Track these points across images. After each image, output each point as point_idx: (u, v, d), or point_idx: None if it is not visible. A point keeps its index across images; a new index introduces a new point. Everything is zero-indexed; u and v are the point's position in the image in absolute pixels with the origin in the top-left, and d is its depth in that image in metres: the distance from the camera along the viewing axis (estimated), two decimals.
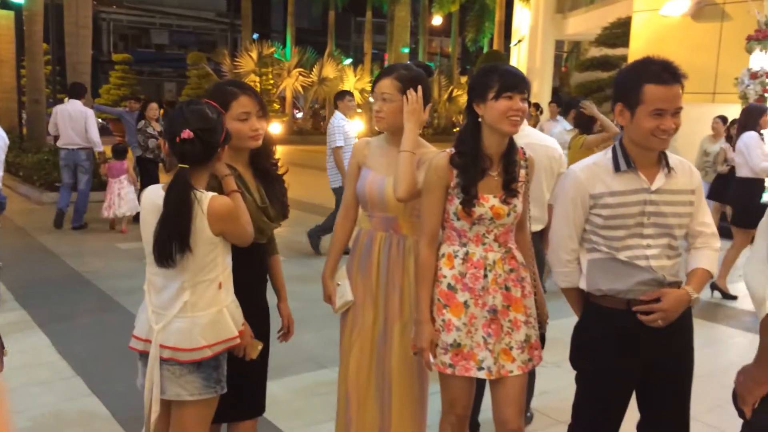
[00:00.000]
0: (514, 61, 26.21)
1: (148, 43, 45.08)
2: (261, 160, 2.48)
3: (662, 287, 2.20)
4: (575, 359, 2.39)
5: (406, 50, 26.69)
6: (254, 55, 25.80)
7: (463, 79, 31.27)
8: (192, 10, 43.36)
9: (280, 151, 2.69)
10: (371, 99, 2.66)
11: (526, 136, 3.13)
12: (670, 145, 2.20)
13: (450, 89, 30.46)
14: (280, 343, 2.67)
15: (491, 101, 2.28)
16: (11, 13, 16.23)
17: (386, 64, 28.29)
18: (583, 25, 19.46)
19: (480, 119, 2.33)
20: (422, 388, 2.66)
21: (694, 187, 2.29)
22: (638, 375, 2.27)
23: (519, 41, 24.35)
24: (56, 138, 8.82)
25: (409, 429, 2.62)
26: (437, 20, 33.50)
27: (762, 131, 6.23)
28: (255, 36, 30.83)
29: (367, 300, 2.64)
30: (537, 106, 14.01)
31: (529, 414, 3.50)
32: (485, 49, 32.36)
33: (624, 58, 13.80)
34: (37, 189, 10.93)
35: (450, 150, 2.39)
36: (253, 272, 2.46)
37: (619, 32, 14.56)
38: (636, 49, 12.16)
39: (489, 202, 2.33)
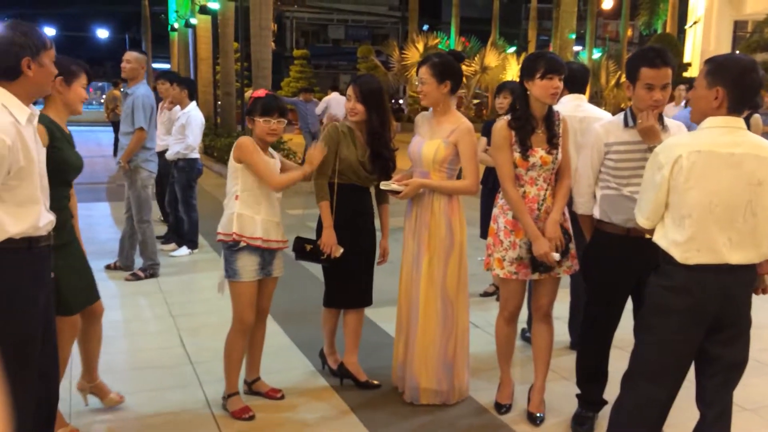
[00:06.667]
0: (689, 45, 25.11)
1: (326, 39, 48.28)
2: (375, 143, 3.51)
3: None
4: (585, 269, 3.20)
5: (573, 36, 26.40)
6: (420, 46, 27.01)
7: None
8: (366, 5, 45.77)
9: None
10: (417, 83, 3.54)
11: (583, 111, 3.86)
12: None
13: (618, 75, 29.71)
14: (378, 265, 3.71)
15: (537, 80, 3.11)
16: (208, 18, 18.74)
17: (551, 50, 28.26)
18: (763, 3, 18.43)
19: (528, 92, 3.16)
20: (445, 310, 3.42)
21: None
22: (631, 283, 2.99)
23: (694, 23, 23.35)
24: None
25: (430, 342, 3.42)
26: (607, 4, 32.64)
27: None
28: (425, 27, 32.10)
29: (408, 235, 3.52)
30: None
31: None
32: (659, 32, 31.10)
33: None
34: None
35: (506, 118, 3.24)
36: (364, 207, 3.60)
37: None
38: None
39: (538, 153, 3.18)
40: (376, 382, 3.71)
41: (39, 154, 2.44)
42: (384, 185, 3.44)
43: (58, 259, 2.75)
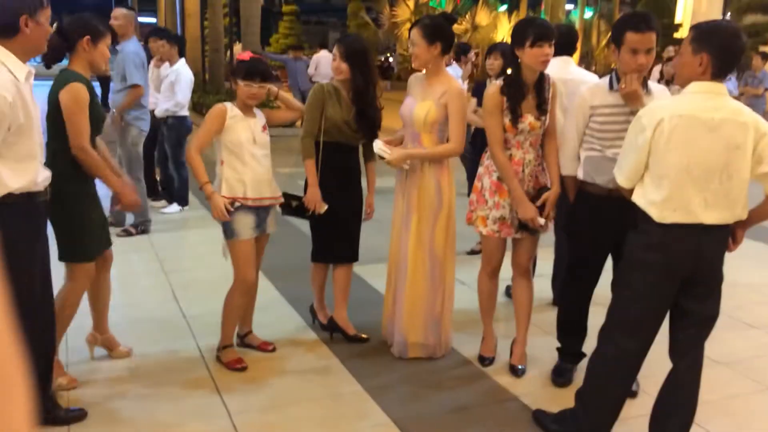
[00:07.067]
0: (680, 6, 24.98)
1: None
2: (360, 101, 3.57)
3: None
4: (568, 225, 3.34)
5: None
6: (411, 3, 26.68)
7: None
8: None
9: None
10: (409, 45, 3.57)
11: (570, 73, 3.91)
12: None
13: (609, 35, 29.52)
14: (364, 221, 3.80)
15: (527, 48, 3.16)
16: None
17: (542, 9, 27.99)
18: None
19: (519, 60, 3.21)
20: (433, 268, 3.51)
21: None
22: (611, 242, 3.10)
23: None
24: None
25: (418, 298, 3.53)
26: None
27: None
28: None
29: (398, 194, 3.60)
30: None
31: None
32: None
33: None
34: None
35: (498, 83, 3.30)
36: (350, 164, 3.67)
37: None
38: None
39: (527, 119, 3.25)
40: (364, 336, 3.83)
41: (35, 111, 2.49)
42: (375, 146, 3.51)
43: (81, 207, 2.98)
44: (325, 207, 3.58)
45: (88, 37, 3.06)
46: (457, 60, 6.45)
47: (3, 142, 2.33)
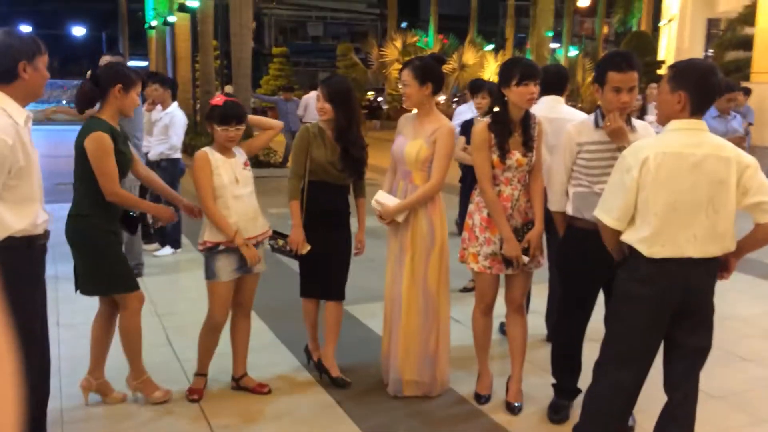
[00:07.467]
0: (663, 42, 25.45)
1: (305, 36, 48.24)
2: (343, 140, 3.63)
3: None
4: (559, 263, 3.36)
5: (550, 34, 26.64)
6: (399, 44, 27.17)
7: None
8: (345, 2, 45.82)
9: None
10: (400, 86, 3.66)
11: (558, 112, 3.99)
12: None
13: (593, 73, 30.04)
14: (354, 257, 3.82)
15: (514, 86, 3.24)
16: (187, 16, 18.70)
17: (528, 48, 28.50)
18: (735, 2, 18.77)
19: (506, 98, 3.29)
20: (426, 305, 3.54)
21: None
22: (602, 276, 3.13)
23: (669, 20, 23.67)
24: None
25: (412, 336, 3.54)
26: (584, 1, 32.98)
27: None
28: (403, 25, 32.21)
29: (391, 233, 3.64)
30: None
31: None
32: (634, 30, 31.48)
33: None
34: None
35: (485, 120, 3.38)
36: (336, 204, 3.72)
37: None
38: (764, 27, 11.93)
39: (515, 155, 3.32)
40: (347, 380, 3.76)
41: (35, 154, 2.55)
42: (374, 200, 3.57)
43: (111, 243, 3.29)
44: (308, 248, 3.64)
45: (120, 85, 3.24)
46: (473, 95, 6.42)
47: (3, 185, 2.38)
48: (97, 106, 3.32)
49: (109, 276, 3.32)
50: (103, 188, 3.17)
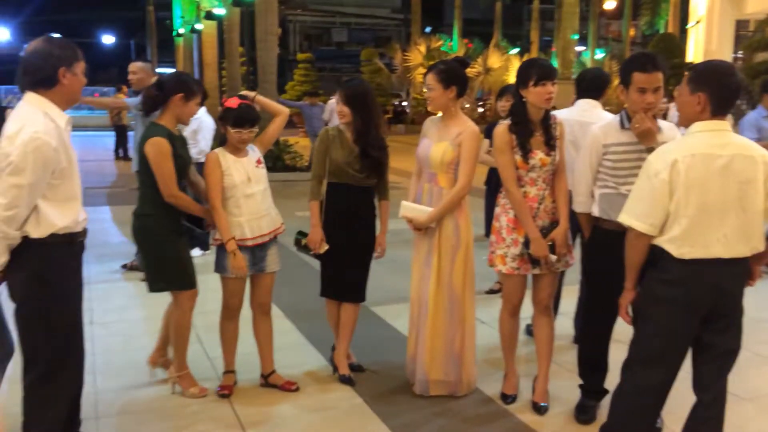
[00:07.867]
0: (691, 44, 25.15)
1: (329, 42, 48.44)
2: (361, 142, 3.67)
3: None
4: (585, 263, 3.39)
5: (576, 37, 26.48)
6: (423, 48, 27.18)
7: None
8: (369, 8, 45.95)
9: None
10: (425, 89, 3.69)
11: (591, 116, 3.96)
12: None
13: None
14: (375, 259, 3.86)
15: (531, 87, 3.27)
16: (214, 23, 18.96)
17: (553, 51, 28.35)
18: (764, 3, 18.48)
19: (524, 99, 3.32)
20: (452, 306, 3.56)
21: None
22: None
23: (696, 23, 23.38)
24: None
25: (438, 336, 3.57)
26: (610, 4, 32.73)
27: None
28: (427, 29, 32.23)
29: (418, 236, 3.65)
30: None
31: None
32: (661, 32, 31.17)
33: None
34: None
35: (506, 122, 3.40)
36: (357, 205, 3.77)
37: None
38: None
39: (538, 155, 3.34)
40: (352, 377, 3.83)
41: (74, 155, 2.70)
42: (400, 212, 3.60)
43: (172, 242, 3.49)
44: (326, 247, 3.72)
45: (182, 94, 3.40)
46: (498, 99, 6.29)
47: (48, 184, 2.50)
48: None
49: (165, 273, 3.51)
50: (162, 190, 3.36)
